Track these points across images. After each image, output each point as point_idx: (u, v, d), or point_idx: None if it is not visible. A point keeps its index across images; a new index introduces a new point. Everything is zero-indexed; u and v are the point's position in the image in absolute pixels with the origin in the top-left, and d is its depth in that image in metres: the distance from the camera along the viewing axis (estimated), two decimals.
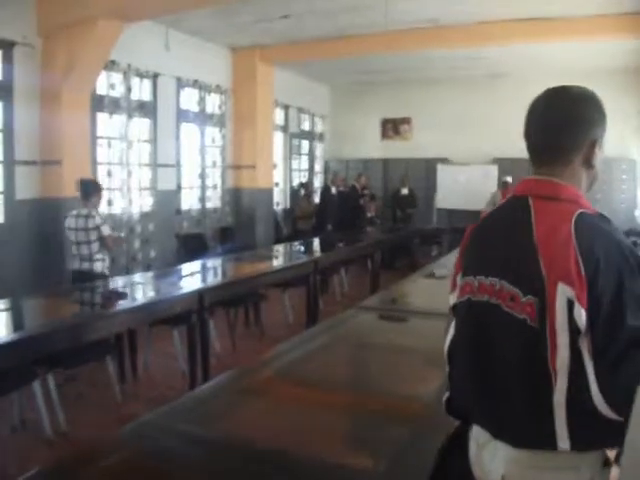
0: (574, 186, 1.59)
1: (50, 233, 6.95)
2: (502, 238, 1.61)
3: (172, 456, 2.03)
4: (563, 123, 1.59)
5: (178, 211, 9.15)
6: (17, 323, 4.60)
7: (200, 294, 5.04)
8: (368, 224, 11.56)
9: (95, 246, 5.65)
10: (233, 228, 10.21)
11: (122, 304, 4.89)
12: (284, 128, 12.23)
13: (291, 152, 12.64)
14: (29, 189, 6.89)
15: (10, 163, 6.72)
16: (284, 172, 12.41)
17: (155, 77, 8.44)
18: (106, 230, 5.68)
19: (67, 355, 4.29)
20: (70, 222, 5.71)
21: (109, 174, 7.81)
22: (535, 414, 1.50)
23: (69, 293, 5.48)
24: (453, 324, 1.77)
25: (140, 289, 5.65)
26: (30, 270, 6.73)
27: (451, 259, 6.82)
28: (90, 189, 5.76)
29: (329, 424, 2.37)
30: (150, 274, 6.69)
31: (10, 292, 5.51)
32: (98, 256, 5.71)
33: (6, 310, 4.65)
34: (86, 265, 5.69)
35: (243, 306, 6.88)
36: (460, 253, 1.77)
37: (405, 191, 12.35)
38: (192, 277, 6.26)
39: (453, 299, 1.77)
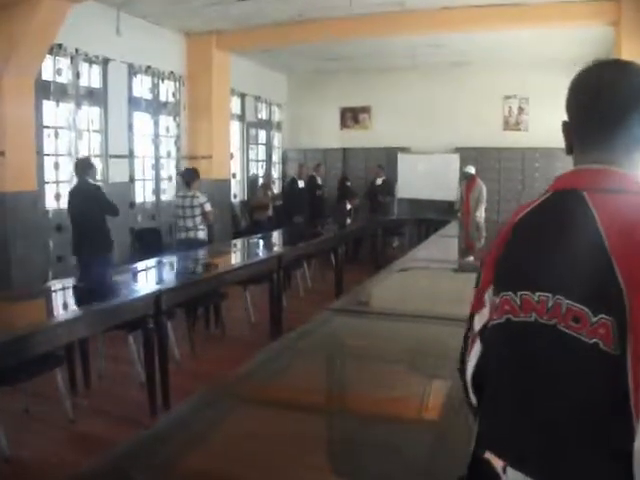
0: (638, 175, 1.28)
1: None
2: (554, 244, 1.26)
3: None
4: (633, 99, 1.26)
5: (132, 204, 8.67)
6: None
7: (157, 297, 4.65)
8: (347, 217, 11.28)
9: (198, 219, 7.25)
10: None
11: (71, 311, 4.49)
12: (241, 117, 11.79)
13: (248, 142, 12.20)
14: None
15: None
16: (241, 162, 11.97)
17: (105, 63, 7.93)
18: (207, 207, 7.28)
19: (9, 371, 3.86)
20: (178, 201, 7.44)
21: (56, 166, 7.30)
22: (607, 464, 1.14)
23: (19, 296, 5.09)
24: (477, 348, 1.41)
25: (91, 291, 5.23)
26: None
27: (419, 252, 6.58)
28: (191, 176, 7.40)
29: (311, 449, 2.06)
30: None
31: None
32: (201, 227, 7.32)
33: None
34: (191, 234, 7.28)
35: (203, 307, 6.49)
36: (489, 263, 1.40)
37: (379, 181, 12.07)
38: (148, 277, 5.86)
39: (481, 320, 1.41)
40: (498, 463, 1.28)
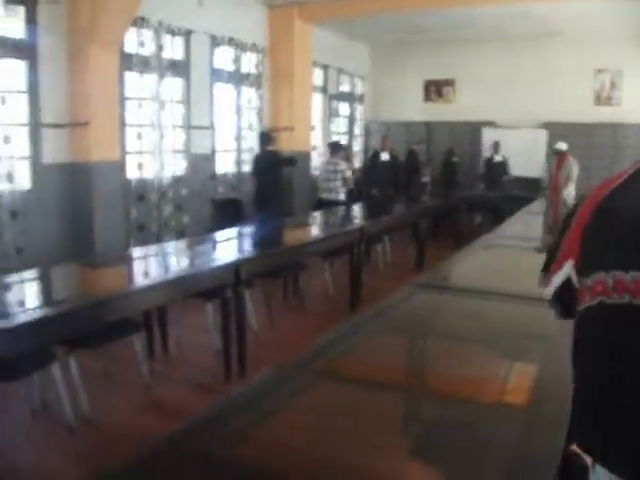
0: None
1: (80, 199, 6.59)
2: None
3: None
4: None
5: (213, 175, 8.70)
6: (45, 297, 4.23)
7: (237, 267, 4.60)
8: (422, 190, 10.98)
9: (339, 183, 8.55)
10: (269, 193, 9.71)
11: (151, 279, 4.51)
12: (323, 89, 11.65)
13: (330, 114, 12.07)
14: (56, 153, 6.48)
15: (36, 126, 6.30)
16: (323, 135, 11.85)
17: (188, 35, 7.92)
18: (347, 174, 8.60)
19: (90, 334, 3.90)
20: (323, 167, 8.93)
21: (139, 136, 7.37)
22: None
23: (102, 263, 5.26)
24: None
25: (172, 260, 5.26)
26: (58, 238, 6.36)
27: (503, 230, 6.34)
28: (336, 148, 8.91)
29: (394, 427, 1.94)
30: (183, 243, 6.27)
31: (37, 262, 5.23)
32: (341, 190, 8.57)
33: (31, 281, 4.36)
34: (332, 196, 8.55)
35: (282, 278, 6.43)
36: (573, 238, 1.25)
37: (499, 158, 11.66)
38: (228, 247, 5.83)
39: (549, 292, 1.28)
40: (587, 457, 1.15)
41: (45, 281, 4.54)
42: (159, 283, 4.27)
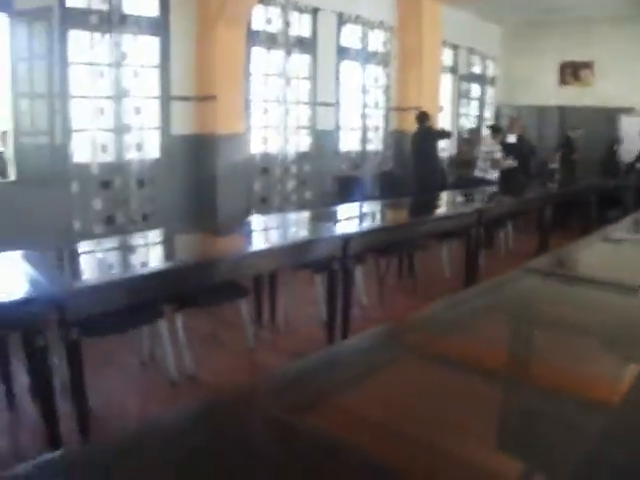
0: None
1: (204, 170, 6.68)
2: None
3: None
4: None
5: (336, 152, 8.60)
6: (159, 256, 4.33)
7: (345, 240, 4.46)
8: (549, 177, 10.34)
9: (489, 163, 8.72)
10: (394, 173, 9.50)
11: (261, 245, 4.49)
12: (453, 69, 11.24)
13: (459, 96, 11.65)
14: (184, 125, 6.60)
15: (166, 99, 6.44)
16: (451, 116, 11.45)
17: (315, 12, 7.83)
18: (497, 155, 8.72)
19: (199, 294, 3.93)
20: (479, 149, 9.11)
21: (265, 111, 7.37)
22: None
23: (221, 229, 5.30)
24: None
25: (285, 230, 5.20)
26: (182, 207, 6.48)
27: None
28: (496, 130, 9.13)
29: (481, 413, 1.73)
30: (299, 214, 6.21)
31: (163, 225, 5.36)
32: (491, 171, 8.73)
33: (151, 241, 4.48)
34: (482, 175, 8.75)
35: (396, 256, 6.24)
36: None
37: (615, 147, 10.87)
38: (342, 220, 5.71)
39: None
40: None
41: (163, 242, 4.62)
42: (267, 249, 4.22)
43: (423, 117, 8.38)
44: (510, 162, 8.87)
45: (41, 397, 3.03)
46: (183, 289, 3.74)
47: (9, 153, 5.51)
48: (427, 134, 8.44)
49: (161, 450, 1.45)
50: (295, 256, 4.29)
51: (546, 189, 8.61)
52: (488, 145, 8.89)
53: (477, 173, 8.92)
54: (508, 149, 9.37)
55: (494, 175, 8.74)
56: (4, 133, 6.01)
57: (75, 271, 3.73)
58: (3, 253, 3.47)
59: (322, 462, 1.40)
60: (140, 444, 1.48)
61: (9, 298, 2.75)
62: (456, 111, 11.58)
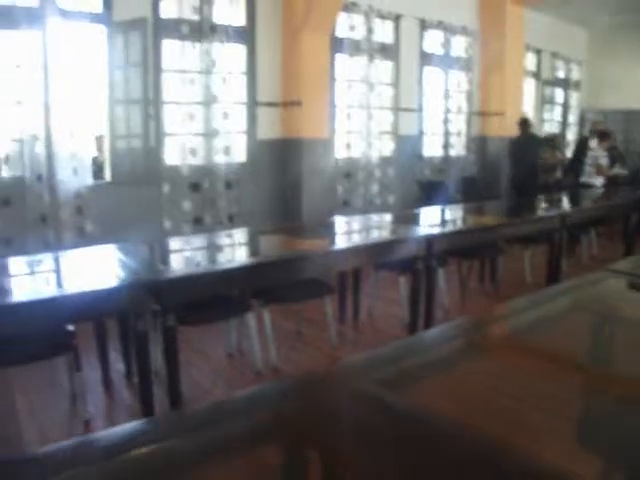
0: None
1: (289, 173, 6.72)
2: None
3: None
4: None
5: (420, 157, 8.50)
6: (253, 251, 4.37)
7: (428, 240, 4.38)
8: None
9: (592, 169, 8.50)
10: (477, 178, 9.32)
11: (345, 243, 4.47)
12: (536, 74, 10.95)
13: (543, 101, 11.34)
14: (270, 129, 6.66)
15: (253, 104, 6.52)
16: (535, 122, 11.15)
17: (397, 18, 7.77)
18: (603, 162, 8.52)
19: (285, 290, 3.95)
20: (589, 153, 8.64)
21: (348, 117, 7.35)
22: None
23: (306, 228, 5.32)
24: None
25: (368, 230, 5.15)
26: (267, 209, 6.53)
27: None
28: (603, 136, 8.63)
29: (555, 412, 1.63)
30: (381, 216, 6.14)
31: (248, 226, 5.43)
32: (595, 176, 8.53)
33: (243, 240, 4.57)
34: (588, 180, 8.51)
35: (479, 259, 6.09)
36: None
37: None
38: (425, 222, 5.62)
39: None
40: None
41: (251, 240, 4.66)
42: (351, 247, 4.18)
43: (525, 123, 8.49)
44: (619, 170, 8.77)
45: (140, 380, 3.08)
46: (270, 284, 3.78)
47: (105, 156, 5.69)
48: (530, 141, 8.54)
49: (250, 417, 1.44)
50: (379, 255, 4.23)
51: (633, 195, 8.24)
52: (594, 151, 8.61)
53: (583, 178, 8.69)
54: (614, 156, 9.05)
55: (599, 181, 8.53)
56: (100, 137, 6.22)
57: (169, 262, 3.81)
58: (102, 245, 3.59)
59: (413, 430, 1.36)
60: (230, 411, 1.47)
61: (109, 285, 2.83)
62: (539, 116, 11.26)
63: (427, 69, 8.43)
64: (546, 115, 11.47)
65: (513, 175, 8.68)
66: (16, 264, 3.45)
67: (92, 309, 2.86)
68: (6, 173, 4.83)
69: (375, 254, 4.20)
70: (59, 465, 1.18)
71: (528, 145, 8.53)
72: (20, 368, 3.15)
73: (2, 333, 2.68)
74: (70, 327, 3.13)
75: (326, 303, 4.35)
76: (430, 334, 2.33)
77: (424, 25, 8.19)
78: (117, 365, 3.82)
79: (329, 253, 4.00)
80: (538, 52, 10.77)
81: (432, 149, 8.77)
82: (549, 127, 11.55)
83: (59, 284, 3.23)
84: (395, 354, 1.94)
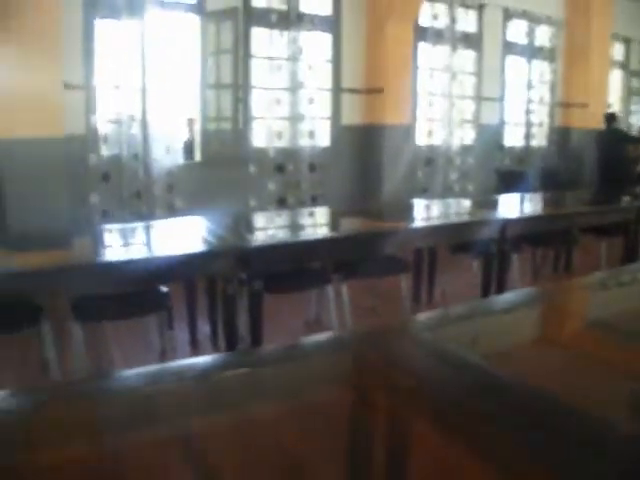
0: None
1: (370, 158, 6.73)
2: None
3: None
4: None
5: (500, 147, 8.33)
6: (334, 226, 4.46)
7: (503, 224, 4.33)
8: None
9: None
10: (558, 169, 9.05)
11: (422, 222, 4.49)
12: (623, 65, 10.51)
13: (630, 92, 10.89)
14: (353, 115, 6.70)
15: (337, 91, 6.57)
16: (621, 114, 10.71)
17: (481, 8, 7.64)
18: None
19: (363, 265, 3.99)
20: None
21: (430, 105, 7.30)
22: None
23: (385, 209, 5.33)
24: None
25: (443, 211, 5.13)
26: (348, 192, 6.56)
27: None
28: None
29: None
30: (457, 201, 6.08)
31: (331, 206, 5.50)
32: None
33: (324, 218, 4.67)
34: None
35: (552, 248, 5.93)
36: None
37: None
38: (501, 207, 5.53)
39: None
40: None
41: (332, 217, 4.74)
42: (428, 227, 4.23)
43: (611, 118, 8.22)
44: None
45: (226, 343, 3.20)
46: (349, 259, 3.83)
47: (195, 138, 5.87)
48: (615, 136, 8.25)
49: (327, 358, 1.49)
50: (454, 235, 4.24)
51: None
52: None
53: None
54: None
55: None
56: (192, 120, 6.41)
57: (256, 233, 3.93)
58: (193, 216, 3.75)
59: (477, 382, 1.37)
60: (310, 351, 1.52)
61: (201, 250, 2.96)
62: (626, 108, 10.83)
63: (510, 58, 8.24)
64: (633, 107, 11.01)
65: (599, 170, 8.38)
66: (115, 231, 3.65)
67: (183, 271, 2.99)
68: (105, 152, 5.05)
69: (450, 234, 4.20)
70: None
71: (613, 140, 8.23)
72: (117, 323, 3.31)
73: (103, 290, 2.83)
74: (165, 289, 3.26)
75: (402, 281, 4.35)
76: (503, 298, 2.32)
77: (508, 14, 8.01)
78: (204, 328, 3.95)
79: (406, 230, 4.04)
80: (627, 41, 10.32)
81: (513, 139, 8.58)
82: (637, 120, 11.09)
83: (153, 248, 3.39)
84: (467, 313, 1.95)
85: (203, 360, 1.58)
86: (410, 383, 1.37)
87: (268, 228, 4.12)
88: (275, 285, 3.43)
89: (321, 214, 4.79)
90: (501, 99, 8.23)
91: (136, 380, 1.36)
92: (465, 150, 7.71)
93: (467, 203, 5.58)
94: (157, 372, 1.45)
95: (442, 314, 2.07)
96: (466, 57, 7.60)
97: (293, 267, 3.54)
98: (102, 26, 5.12)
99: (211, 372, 1.42)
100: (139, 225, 4.06)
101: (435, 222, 4.45)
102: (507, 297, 2.25)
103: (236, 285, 3.15)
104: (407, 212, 4.91)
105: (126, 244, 3.45)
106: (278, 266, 3.33)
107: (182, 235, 3.58)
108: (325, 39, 6.42)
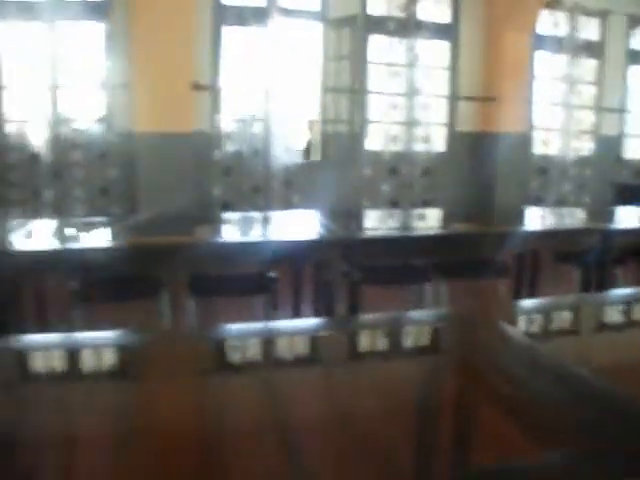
0: None
1: (484, 165, 6.61)
2: None
3: None
4: None
5: (619, 159, 7.98)
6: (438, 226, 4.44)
7: (605, 234, 4.17)
8: None
9: None
10: None
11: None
12: None
13: None
14: (468, 122, 6.62)
15: (453, 98, 6.52)
16: None
17: (604, 15, 7.37)
18: None
19: (463, 266, 3.93)
20: None
21: (547, 114, 7.09)
22: None
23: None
24: None
25: (550, 219, 5.00)
26: (462, 195, 6.43)
27: None
28: None
29: None
30: (569, 210, 5.91)
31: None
32: None
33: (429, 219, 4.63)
34: None
35: None
36: None
37: None
38: (610, 219, 5.29)
39: None
40: None
41: (436, 218, 4.72)
42: (528, 230, 4.20)
43: None
44: None
45: None
46: (450, 258, 3.79)
47: (314, 138, 6.01)
48: None
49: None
50: (555, 241, 4.14)
51: None
52: None
53: None
54: None
55: None
56: (312, 122, 6.56)
57: (361, 227, 3.98)
58: (306, 210, 3.85)
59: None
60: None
61: (306, 237, 3.04)
62: None
63: (634, 68, 7.89)
64: None
65: None
66: (233, 219, 3.82)
67: (291, 257, 3.08)
68: (229, 147, 5.26)
69: (550, 240, 4.11)
70: None
71: None
72: (227, 300, 3.44)
73: (218, 270, 2.97)
74: (273, 274, 3.35)
75: (500, 284, 4.24)
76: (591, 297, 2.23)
77: (633, 21, 7.67)
78: (306, 312, 4.02)
79: (506, 234, 3.98)
80: None
81: (635, 151, 8.19)
82: None
83: (266, 234, 3.51)
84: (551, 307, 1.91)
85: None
86: (508, 389, 1.36)
87: (375, 224, 4.16)
88: (374, 277, 3.44)
89: (429, 215, 4.78)
90: (623, 110, 7.88)
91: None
92: (582, 161, 7.43)
93: (575, 212, 5.39)
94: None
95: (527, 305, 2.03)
96: (586, 66, 7.33)
97: (394, 262, 3.56)
98: (229, 32, 5.35)
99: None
100: (255, 215, 4.20)
101: (538, 228, 4.34)
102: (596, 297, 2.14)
103: (338, 274, 3.21)
104: (513, 217, 4.81)
105: (241, 230, 3.60)
106: (379, 259, 3.36)
107: (294, 225, 3.69)
108: (442, 46, 6.39)
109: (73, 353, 1.66)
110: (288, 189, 5.41)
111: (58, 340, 1.82)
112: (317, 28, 5.83)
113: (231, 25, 5.37)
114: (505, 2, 6.40)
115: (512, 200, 6.58)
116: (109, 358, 1.69)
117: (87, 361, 1.67)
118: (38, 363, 1.66)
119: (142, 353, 1.50)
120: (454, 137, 6.50)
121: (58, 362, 1.63)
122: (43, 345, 1.67)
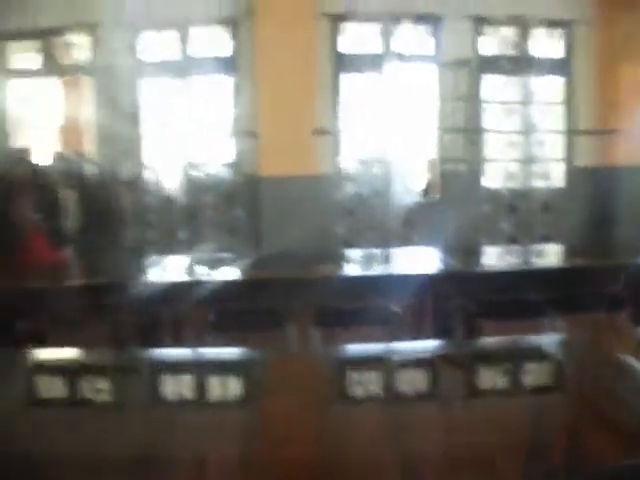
0: None
1: (606, 199, 6.37)
2: None
3: None
4: None
5: None
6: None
7: None
8: None
9: None
10: None
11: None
12: None
13: None
14: (587, 156, 6.42)
15: (570, 132, 6.37)
16: None
17: None
18: None
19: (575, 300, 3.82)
20: None
21: None
22: None
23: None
24: None
25: None
26: (582, 231, 6.24)
27: None
28: None
29: None
30: None
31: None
32: None
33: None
34: None
35: None
36: None
37: None
38: None
39: None
40: None
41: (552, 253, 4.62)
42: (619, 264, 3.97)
43: None
44: None
45: None
46: (567, 292, 3.68)
47: (434, 178, 6.06)
48: None
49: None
50: None
51: None
52: None
53: None
54: None
55: None
56: (432, 161, 6.62)
57: (479, 262, 3.98)
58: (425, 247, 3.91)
59: None
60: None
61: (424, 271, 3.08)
62: None
63: None
64: None
65: None
66: (354, 256, 3.92)
67: (409, 290, 3.13)
68: (350, 188, 5.42)
69: None
70: None
71: None
72: (351, 332, 3.51)
73: (342, 303, 3.06)
74: (396, 308, 3.40)
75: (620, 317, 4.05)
76: None
77: None
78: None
79: (627, 266, 3.82)
80: None
81: None
82: None
83: (385, 269, 3.58)
84: None
85: None
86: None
87: (492, 260, 4.13)
88: (487, 311, 3.40)
89: (547, 250, 4.69)
90: None
91: None
92: None
93: None
94: None
95: None
96: None
97: (513, 296, 3.51)
98: (348, 78, 5.55)
99: None
100: (376, 252, 4.28)
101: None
102: None
103: (457, 308, 3.21)
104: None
105: (363, 266, 3.67)
106: (494, 294, 3.32)
107: (414, 261, 3.73)
108: (556, 81, 6.30)
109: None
110: (408, 227, 5.47)
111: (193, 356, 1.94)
112: (432, 70, 5.91)
113: (349, 72, 5.56)
114: (620, 35, 6.24)
115: (636, 238, 6.29)
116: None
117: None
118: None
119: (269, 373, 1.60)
120: (572, 172, 6.33)
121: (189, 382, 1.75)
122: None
